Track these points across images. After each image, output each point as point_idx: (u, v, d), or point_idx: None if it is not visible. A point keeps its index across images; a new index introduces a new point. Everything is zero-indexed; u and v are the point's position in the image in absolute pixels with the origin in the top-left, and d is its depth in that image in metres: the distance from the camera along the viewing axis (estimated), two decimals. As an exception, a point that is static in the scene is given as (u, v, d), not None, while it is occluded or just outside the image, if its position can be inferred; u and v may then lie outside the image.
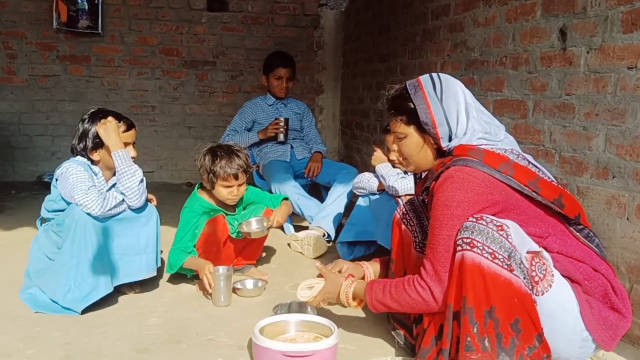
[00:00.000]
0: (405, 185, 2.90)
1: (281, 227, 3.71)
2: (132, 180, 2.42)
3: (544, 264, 1.69)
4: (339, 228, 3.49)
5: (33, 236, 2.59)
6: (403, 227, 2.16)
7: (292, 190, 3.69)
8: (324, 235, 3.44)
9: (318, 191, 4.10)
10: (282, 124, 4.01)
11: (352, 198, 3.56)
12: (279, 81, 4.14)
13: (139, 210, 2.50)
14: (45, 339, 2.13)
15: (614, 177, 2.17)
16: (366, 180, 3.16)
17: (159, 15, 5.49)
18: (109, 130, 2.44)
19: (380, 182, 3.07)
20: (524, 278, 1.66)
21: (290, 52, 5.48)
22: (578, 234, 1.81)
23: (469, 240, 1.66)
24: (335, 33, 5.84)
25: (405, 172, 3.11)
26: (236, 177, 2.69)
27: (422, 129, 1.88)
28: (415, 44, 3.87)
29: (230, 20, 5.64)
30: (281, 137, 4.05)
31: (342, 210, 3.60)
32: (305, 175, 3.99)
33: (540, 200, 1.75)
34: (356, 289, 2.03)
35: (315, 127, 4.43)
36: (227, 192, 2.72)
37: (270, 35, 5.72)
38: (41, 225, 2.58)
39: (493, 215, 1.72)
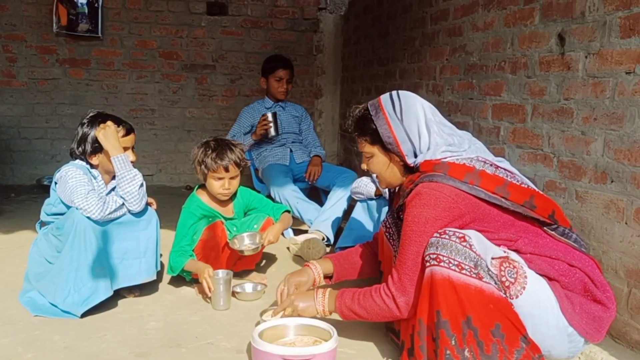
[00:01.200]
0: None
1: (280, 231, 3.72)
2: (131, 184, 2.42)
3: (514, 267, 1.72)
4: (338, 232, 3.50)
5: (32, 239, 2.59)
6: (386, 241, 2.20)
7: (291, 194, 3.70)
8: (323, 239, 3.44)
9: (317, 195, 4.11)
10: (269, 118, 3.99)
11: (352, 202, 3.56)
12: (279, 82, 4.15)
13: (139, 214, 2.50)
14: (44, 342, 2.13)
15: (612, 182, 2.18)
16: (364, 185, 3.17)
17: (158, 19, 5.51)
18: (107, 134, 2.44)
19: (377, 187, 3.08)
20: (495, 283, 1.69)
21: (290, 55, 5.49)
22: (553, 232, 1.83)
23: (435, 256, 1.71)
24: (335, 37, 5.86)
25: None
26: (226, 169, 2.68)
27: (386, 148, 1.95)
28: (414, 48, 3.89)
29: (229, 24, 5.66)
30: (272, 132, 4.01)
31: (341, 214, 3.61)
32: (306, 179, 4.00)
33: (509, 205, 1.78)
34: (328, 297, 2.06)
35: (314, 131, 4.43)
36: (218, 185, 2.71)
37: (269, 39, 5.74)
38: (40, 228, 2.58)
39: (462, 227, 1.76)
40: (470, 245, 1.70)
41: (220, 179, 2.70)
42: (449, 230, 1.74)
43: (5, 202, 4.57)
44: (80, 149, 2.49)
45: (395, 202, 2.15)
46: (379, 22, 4.64)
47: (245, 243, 2.75)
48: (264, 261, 3.19)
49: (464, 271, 1.68)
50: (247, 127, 4.19)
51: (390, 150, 1.94)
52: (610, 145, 2.18)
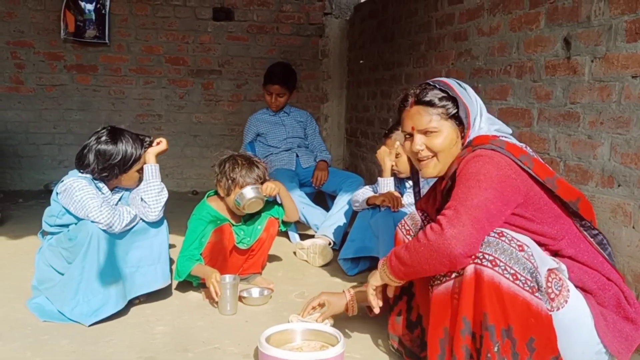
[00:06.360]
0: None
1: (287, 236, 3.73)
2: (161, 195, 2.49)
3: (560, 279, 1.67)
4: (344, 237, 3.49)
5: (39, 245, 2.60)
6: None
7: (298, 199, 3.69)
8: (329, 243, 3.45)
9: (323, 200, 4.12)
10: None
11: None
12: (270, 96, 4.20)
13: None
14: (53, 347, 2.15)
15: (619, 186, 2.17)
16: (361, 194, 3.18)
17: (165, 25, 5.54)
18: (160, 149, 2.55)
19: (367, 198, 3.08)
20: (544, 298, 1.63)
21: (296, 60, 5.53)
22: (592, 239, 1.78)
23: (491, 258, 1.62)
24: (340, 42, 5.87)
25: (401, 182, 3.11)
26: None
27: (456, 123, 1.83)
28: (420, 52, 3.89)
29: (235, 30, 5.68)
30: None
31: (347, 219, 3.61)
32: (313, 184, 4.01)
33: (556, 195, 1.72)
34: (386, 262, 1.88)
35: (320, 135, 4.45)
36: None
37: (275, 44, 5.76)
38: (43, 237, 2.57)
39: (515, 207, 1.69)
40: (529, 256, 1.61)
41: None
42: (507, 234, 1.65)
43: (13, 208, 4.60)
44: (105, 173, 2.47)
45: (433, 197, 2.01)
46: (385, 27, 4.65)
47: (247, 196, 2.72)
48: (270, 266, 3.19)
49: (517, 282, 1.60)
50: (253, 135, 4.26)
51: (458, 125, 1.82)
52: (617, 149, 2.17)
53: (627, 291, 1.76)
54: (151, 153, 2.54)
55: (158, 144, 2.58)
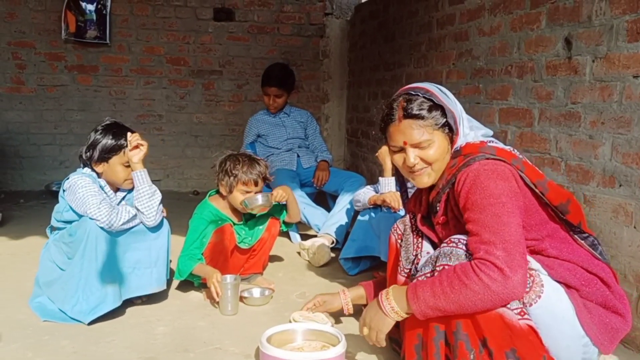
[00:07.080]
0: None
1: (288, 236, 3.73)
2: (152, 199, 2.46)
3: (530, 275, 1.65)
4: (346, 236, 3.50)
5: (42, 245, 2.61)
6: (400, 249, 2.07)
7: (299, 199, 3.68)
8: (332, 242, 3.45)
9: (324, 200, 4.12)
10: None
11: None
12: (268, 98, 4.19)
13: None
14: (53, 347, 2.15)
15: (620, 186, 2.17)
16: (362, 193, 3.19)
17: (165, 26, 5.54)
18: (139, 154, 2.48)
19: (369, 198, 3.08)
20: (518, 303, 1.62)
21: (296, 61, 5.54)
22: (583, 242, 1.78)
23: None
24: (341, 42, 5.87)
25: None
26: (256, 183, 2.76)
27: (445, 132, 1.81)
28: (421, 52, 3.89)
29: (236, 30, 5.69)
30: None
31: (349, 218, 3.61)
32: (314, 184, 4.01)
33: (546, 202, 1.72)
34: (394, 298, 1.75)
35: (320, 135, 4.45)
36: (243, 198, 2.75)
37: (276, 45, 5.76)
38: (51, 233, 2.59)
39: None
40: None
41: (247, 192, 2.75)
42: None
43: (14, 208, 4.60)
44: (87, 154, 2.51)
45: (420, 201, 2.00)
46: (385, 27, 4.65)
47: (257, 202, 2.75)
48: (271, 266, 3.19)
49: None
50: (254, 136, 4.26)
51: (449, 132, 1.80)
52: (618, 149, 2.17)
53: (614, 286, 1.76)
54: (134, 161, 2.48)
55: (136, 147, 2.48)
